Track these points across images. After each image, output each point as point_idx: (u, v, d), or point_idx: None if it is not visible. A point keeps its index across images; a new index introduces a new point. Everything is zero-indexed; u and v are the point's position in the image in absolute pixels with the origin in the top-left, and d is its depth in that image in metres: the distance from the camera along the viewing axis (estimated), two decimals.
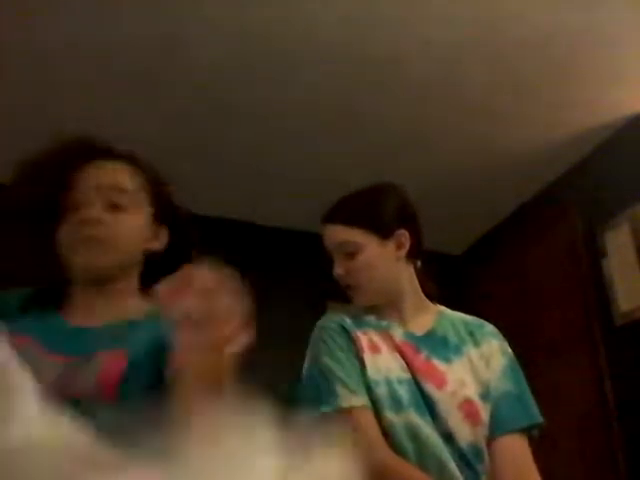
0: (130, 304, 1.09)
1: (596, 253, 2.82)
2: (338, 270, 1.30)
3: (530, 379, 1.29)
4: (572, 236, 3.00)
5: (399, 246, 1.30)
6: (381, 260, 1.29)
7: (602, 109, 2.70)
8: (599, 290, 2.77)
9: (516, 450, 1.20)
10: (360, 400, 1.16)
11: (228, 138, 2.94)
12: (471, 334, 1.31)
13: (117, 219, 1.07)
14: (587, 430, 2.74)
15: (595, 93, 2.61)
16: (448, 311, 1.38)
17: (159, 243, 1.15)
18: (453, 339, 1.29)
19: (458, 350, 1.27)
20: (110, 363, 0.95)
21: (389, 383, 1.18)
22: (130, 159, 1.17)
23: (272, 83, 2.59)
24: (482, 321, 1.37)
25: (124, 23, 2.28)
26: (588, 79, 2.53)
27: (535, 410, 1.25)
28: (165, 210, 1.17)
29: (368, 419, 1.15)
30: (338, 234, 1.30)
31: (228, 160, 3.09)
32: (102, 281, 1.07)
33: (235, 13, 2.23)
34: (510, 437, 1.21)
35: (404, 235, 1.31)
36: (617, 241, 2.71)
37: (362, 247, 1.28)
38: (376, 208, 1.32)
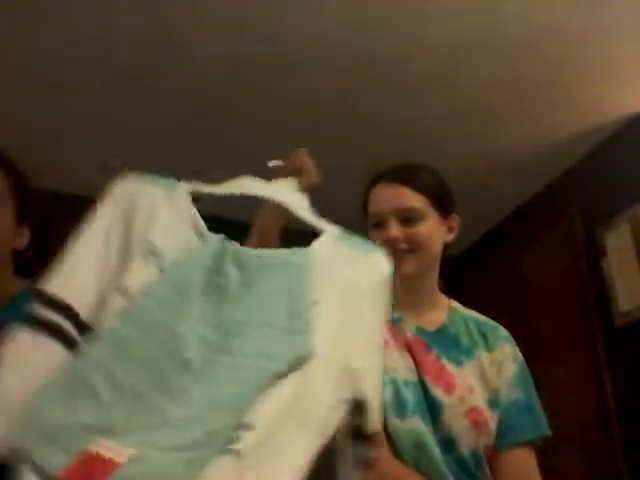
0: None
1: (596, 253, 2.81)
2: (394, 233, 1.20)
3: (532, 379, 1.28)
4: (572, 236, 3.00)
5: (450, 230, 1.27)
6: (436, 237, 1.24)
7: (602, 109, 2.70)
8: (599, 290, 2.77)
9: (523, 465, 1.17)
10: None
11: (228, 138, 2.93)
12: (484, 336, 1.26)
13: None
14: (587, 430, 2.74)
15: (595, 93, 2.61)
16: (460, 307, 1.33)
17: (24, 240, 1.18)
18: (465, 339, 1.25)
19: (469, 352, 1.23)
20: None
21: (395, 385, 1.13)
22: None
23: (272, 83, 2.59)
24: (495, 323, 1.31)
25: (124, 23, 2.28)
26: (588, 79, 2.52)
27: (544, 421, 1.21)
28: (28, 207, 1.19)
29: None
30: (406, 197, 1.22)
31: (228, 160, 3.09)
32: None
33: (235, 13, 2.23)
34: (517, 450, 1.17)
35: (456, 220, 1.28)
36: (617, 241, 2.71)
37: (425, 217, 1.22)
38: (444, 186, 1.29)
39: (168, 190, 0.88)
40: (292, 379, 0.73)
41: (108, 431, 0.65)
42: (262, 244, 0.97)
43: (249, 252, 0.89)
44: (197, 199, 0.92)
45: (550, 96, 2.63)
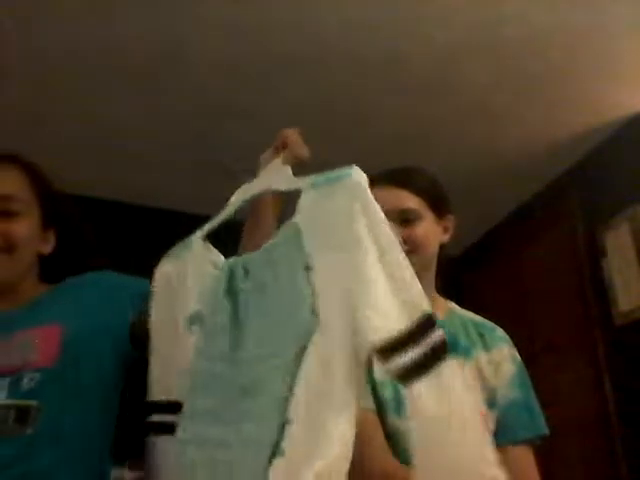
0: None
1: (596, 253, 2.82)
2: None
3: (530, 379, 1.28)
4: (572, 236, 3.00)
5: (445, 230, 1.29)
6: (433, 237, 1.26)
7: (602, 109, 2.70)
8: (599, 290, 2.77)
9: (521, 464, 1.17)
10: (366, 402, 1.10)
11: (228, 138, 2.93)
12: (481, 336, 1.27)
13: (11, 227, 1.10)
14: (587, 430, 2.74)
15: (595, 93, 2.61)
16: (458, 309, 1.34)
17: (49, 246, 1.18)
18: (463, 340, 1.25)
19: (467, 353, 1.23)
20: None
21: (395, 385, 1.12)
22: (18, 162, 1.18)
23: (272, 83, 2.59)
24: (493, 324, 1.32)
25: (124, 24, 2.28)
26: (588, 79, 2.52)
27: (541, 421, 1.22)
28: (53, 212, 1.19)
29: (372, 423, 1.09)
30: (402, 199, 1.26)
31: (227, 160, 3.09)
32: (4, 291, 1.12)
33: (235, 14, 2.23)
34: (516, 449, 1.17)
35: (452, 221, 1.30)
36: (617, 241, 2.71)
37: (422, 218, 1.25)
38: (439, 187, 1.32)
39: (188, 250, 0.99)
40: (306, 359, 0.76)
41: None
42: (254, 244, 0.98)
43: (252, 256, 0.92)
44: None
45: (550, 96, 2.63)
